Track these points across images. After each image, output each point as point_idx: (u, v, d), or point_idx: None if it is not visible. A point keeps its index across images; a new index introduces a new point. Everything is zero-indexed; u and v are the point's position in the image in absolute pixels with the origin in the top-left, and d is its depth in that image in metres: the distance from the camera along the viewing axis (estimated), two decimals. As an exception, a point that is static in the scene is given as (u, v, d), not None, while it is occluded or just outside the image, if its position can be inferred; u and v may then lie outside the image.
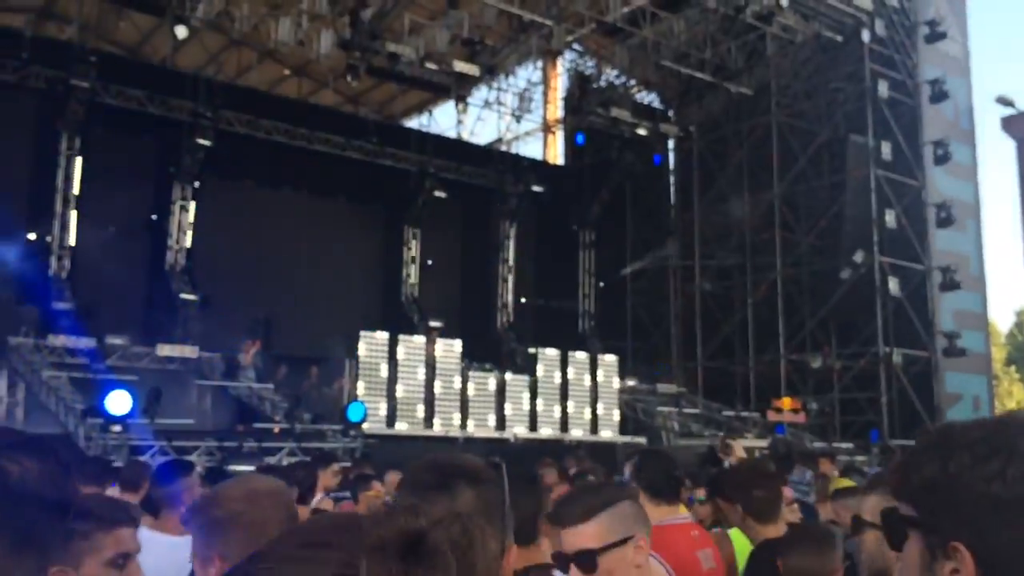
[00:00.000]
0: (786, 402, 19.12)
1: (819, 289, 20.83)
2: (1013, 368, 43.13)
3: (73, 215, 15.97)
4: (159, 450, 10.78)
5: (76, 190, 15.94)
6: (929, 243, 20.53)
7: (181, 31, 15.47)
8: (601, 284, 23.30)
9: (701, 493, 5.50)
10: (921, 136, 20.80)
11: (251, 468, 11.03)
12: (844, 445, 16.84)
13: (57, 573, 1.86)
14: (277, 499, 1.88)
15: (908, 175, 20.43)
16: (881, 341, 19.56)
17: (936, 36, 20.67)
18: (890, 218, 19.56)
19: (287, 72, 22.98)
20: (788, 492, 6.64)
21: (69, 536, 1.38)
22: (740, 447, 4.51)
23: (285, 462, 11.66)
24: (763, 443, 17.14)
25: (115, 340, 14.24)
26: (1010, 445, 0.99)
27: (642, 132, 21.43)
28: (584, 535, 2.06)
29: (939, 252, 20.54)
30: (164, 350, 14.47)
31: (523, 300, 22.38)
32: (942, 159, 20.46)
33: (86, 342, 13.96)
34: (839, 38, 20.00)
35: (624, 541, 2.06)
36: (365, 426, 13.84)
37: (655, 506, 3.17)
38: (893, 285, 19.37)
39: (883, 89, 19.92)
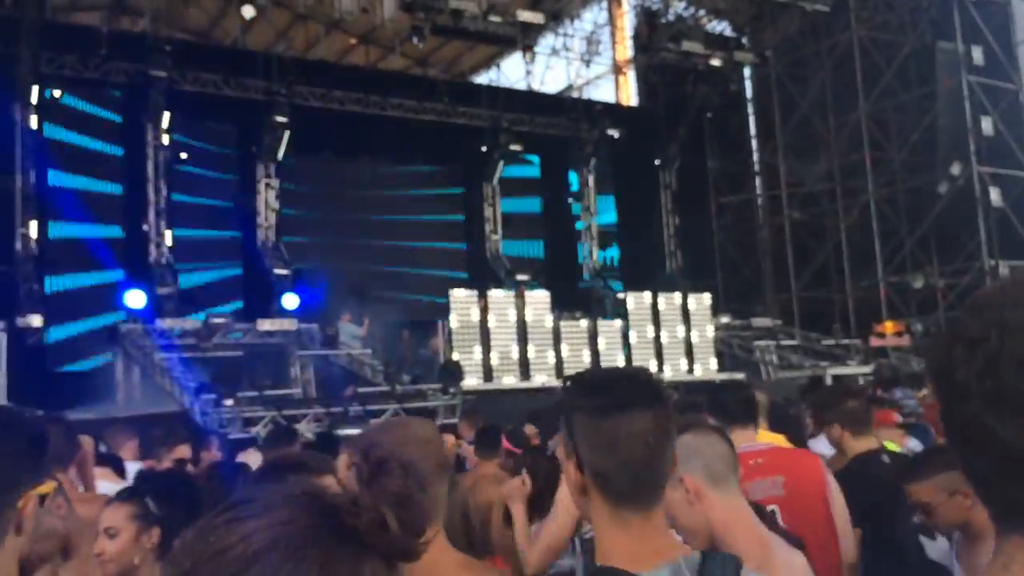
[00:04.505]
0: (888, 326, 18.58)
1: (915, 207, 20.05)
2: None
3: (165, 203, 16.52)
4: (270, 419, 11.19)
5: (165, 179, 16.47)
6: (1031, 148, 19.54)
7: (248, 11, 15.69)
8: (684, 220, 22.86)
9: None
10: (1014, 36, 19.73)
11: (358, 431, 11.36)
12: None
13: None
14: (427, 445, 2.02)
15: (1003, 79, 19.41)
16: (986, 254, 18.78)
17: (1025, -74, 19.42)
18: (987, 125, 18.68)
19: (354, 41, 23.11)
20: (895, 416, 6.47)
21: None
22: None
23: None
24: (867, 369, 16.76)
25: (218, 319, 14.76)
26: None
27: (716, 63, 20.83)
28: None
29: (1043, 155, 19.52)
30: (264, 325, 14.93)
31: (610, 246, 22.23)
32: (1039, 58, 19.36)
33: (191, 323, 14.54)
34: (919, -60, 19.01)
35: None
36: (463, 383, 14.05)
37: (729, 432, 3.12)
38: (995, 195, 18.53)
39: (969, -10, 18.91)
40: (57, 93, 15.54)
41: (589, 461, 1.50)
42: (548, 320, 15.95)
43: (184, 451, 5.25)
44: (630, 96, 25.01)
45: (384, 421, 2.31)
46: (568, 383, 1.60)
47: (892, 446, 4.64)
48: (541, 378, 15.61)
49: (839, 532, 3.35)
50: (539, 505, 3.70)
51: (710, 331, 17.55)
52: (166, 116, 16.34)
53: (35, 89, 14.94)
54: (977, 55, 18.91)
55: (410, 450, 1.88)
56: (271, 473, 2.25)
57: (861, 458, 3.77)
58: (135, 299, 14.21)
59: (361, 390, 13.24)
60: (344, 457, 4.05)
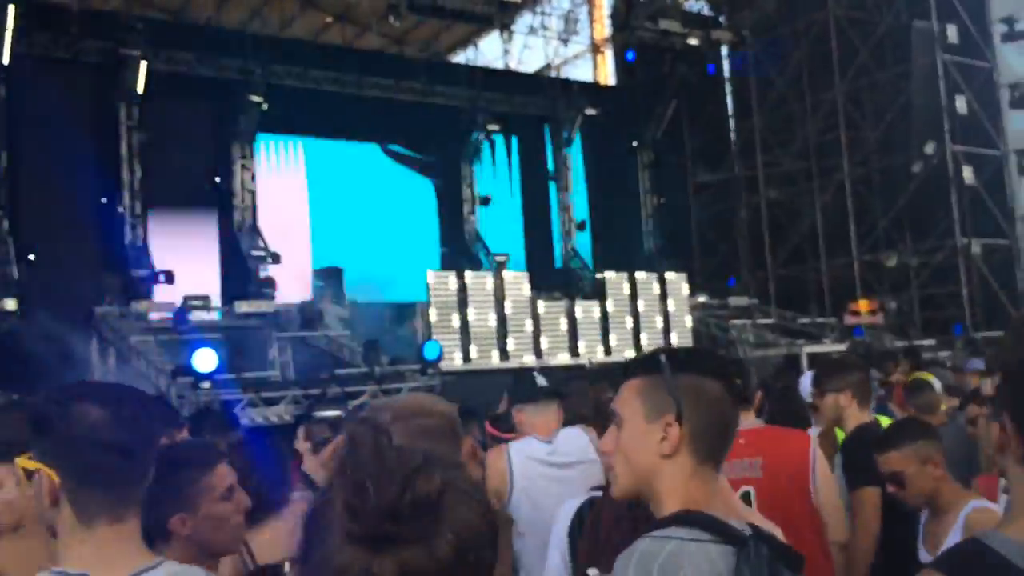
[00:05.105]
0: (863, 304, 18.78)
1: (890, 186, 20.20)
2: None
3: (139, 184, 16.36)
4: (248, 402, 11.17)
5: (139, 159, 16.30)
6: (1004, 127, 19.70)
7: (222, -11, 15.44)
8: (661, 200, 22.95)
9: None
10: (988, 14, 19.78)
11: (338, 412, 11.34)
12: (926, 342, 16.52)
13: (177, 520, 2.00)
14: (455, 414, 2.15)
15: (977, 57, 19.51)
16: (959, 232, 18.99)
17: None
18: (961, 104, 18.77)
19: (329, 20, 22.86)
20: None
21: (135, 480, 1.57)
22: None
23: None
24: (842, 347, 16.95)
25: (195, 301, 14.65)
26: None
27: (694, 42, 20.83)
28: None
29: (1015, 133, 19.68)
30: (242, 307, 14.86)
31: (585, 225, 22.26)
32: (1012, 36, 19.47)
33: (168, 305, 14.43)
34: (894, -81, 19.02)
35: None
36: (442, 364, 14.06)
37: None
38: (968, 174, 18.70)
39: (944, -32, 18.96)
40: (29, 73, 15.28)
41: (689, 418, 1.60)
42: (526, 300, 15.97)
43: (184, 435, 5.29)
44: (608, 75, 24.98)
45: (399, 402, 2.32)
46: (669, 352, 1.69)
47: (885, 420, 4.74)
48: (524, 358, 15.66)
49: (827, 511, 3.39)
50: None
51: (687, 310, 17.66)
52: (139, 95, 16.15)
53: (5, 68, 14.69)
54: (952, 33, 18.96)
55: (428, 438, 1.90)
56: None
57: (865, 425, 3.85)
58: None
59: (340, 372, 13.23)
60: (302, 431, 4.17)
